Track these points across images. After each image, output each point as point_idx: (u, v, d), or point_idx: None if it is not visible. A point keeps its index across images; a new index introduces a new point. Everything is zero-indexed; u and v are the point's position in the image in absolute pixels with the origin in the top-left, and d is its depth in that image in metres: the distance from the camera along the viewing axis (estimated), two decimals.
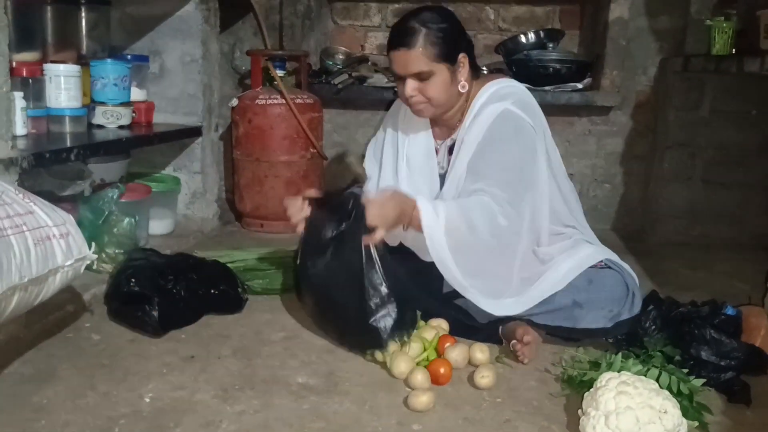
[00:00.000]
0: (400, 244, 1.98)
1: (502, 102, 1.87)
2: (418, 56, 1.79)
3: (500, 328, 1.88)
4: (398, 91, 1.91)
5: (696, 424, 1.47)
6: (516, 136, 1.84)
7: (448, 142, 1.97)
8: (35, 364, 1.68)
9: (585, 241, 1.95)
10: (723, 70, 2.64)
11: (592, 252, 1.89)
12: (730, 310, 1.83)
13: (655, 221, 3.11)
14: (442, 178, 1.95)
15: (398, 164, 2.02)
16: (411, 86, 1.83)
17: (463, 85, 1.88)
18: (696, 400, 1.52)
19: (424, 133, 2.00)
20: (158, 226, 2.72)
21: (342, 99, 3.29)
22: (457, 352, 1.73)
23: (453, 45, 1.83)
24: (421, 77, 1.82)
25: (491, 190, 1.76)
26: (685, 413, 1.42)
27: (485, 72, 2.06)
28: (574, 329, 1.84)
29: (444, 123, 1.97)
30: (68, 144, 2.10)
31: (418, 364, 1.69)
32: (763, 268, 2.14)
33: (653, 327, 1.82)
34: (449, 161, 1.94)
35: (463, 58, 1.85)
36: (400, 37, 1.82)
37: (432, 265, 1.98)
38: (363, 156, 2.19)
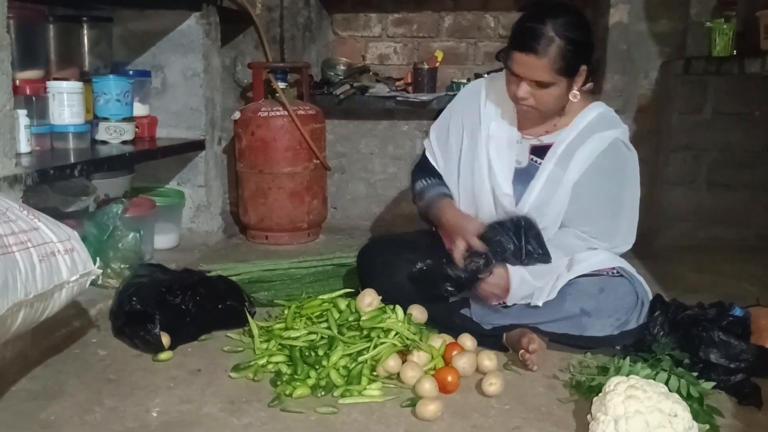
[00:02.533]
0: (412, 244, 2.03)
1: (614, 129, 1.89)
2: (544, 67, 1.74)
3: (504, 335, 1.87)
4: (508, 87, 1.85)
5: (707, 427, 1.46)
6: (628, 174, 1.91)
7: (534, 141, 1.93)
8: (43, 381, 1.69)
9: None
10: (724, 71, 2.63)
11: (610, 257, 1.91)
12: (738, 312, 1.82)
13: (660, 224, 3.10)
14: (516, 172, 1.92)
15: (479, 148, 1.94)
16: (525, 90, 1.79)
17: (575, 95, 1.84)
18: (706, 403, 1.51)
19: (510, 122, 1.94)
20: (163, 240, 2.72)
21: (344, 109, 3.30)
22: (464, 360, 1.73)
23: (581, 58, 1.78)
24: (540, 85, 1.77)
25: (597, 239, 1.89)
26: (696, 416, 1.41)
27: None
28: (580, 337, 1.83)
29: (536, 120, 1.93)
30: (72, 160, 2.11)
31: (425, 372, 1.69)
32: None
33: (661, 332, 1.80)
34: (530, 159, 1.92)
35: (584, 69, 1.81)
36: (531, 40, 1.73)
37: (438, 273, 1.97)
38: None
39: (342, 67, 3.34)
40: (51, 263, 1.47)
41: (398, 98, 3.16)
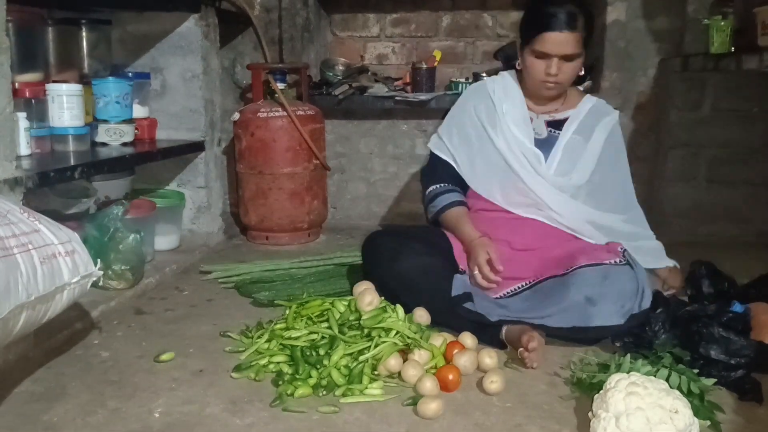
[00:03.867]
0: (417, 236, 2.07)
1: (614, 112, 2.21)
2: (577, 39, 1.96)
3: (503, 332, 1.86)
4: (532, 70, 2.03)
5: (708, 423, 1.46)
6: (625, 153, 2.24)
7: (546, 116, 2.16)
8: (45, 383, 1.69)
9: None
10: (722, 68, 2.64)
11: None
12: (737, 308, 1.82)
13: (660, 222, 3.09)
14: (538, 142, 2.12)
15: (498, 130, 2.13)
16: (558, 65, 1.98)
17: (581, 69, 2.07)
18: (707, 399, 1.51)
19: (520, 103, 2.16)
20: (164, 241, 2.72)
21: (343, 109, 3.31)
22: (465, 358, 1.73)
23: (592, 33, 2.03)
24: (569, 58, 1.98)
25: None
26: (697, 412, 1.41)
27: None
28: (588, 328, 1.82)
29: (542, 99, 2.14)
30: (72, 162, 2.11)
31: (426, 371, 1.69)
32: None
33: (662, 330, 1.80)
34: (549, 131, 2.14)
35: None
36: (565, 19, 1.95)
37: (440, 268, 1.98)
38: None
39: (341, 68, 3.35)
40: (52, 265, 1.48)
41: (397, 98, 3.16)
